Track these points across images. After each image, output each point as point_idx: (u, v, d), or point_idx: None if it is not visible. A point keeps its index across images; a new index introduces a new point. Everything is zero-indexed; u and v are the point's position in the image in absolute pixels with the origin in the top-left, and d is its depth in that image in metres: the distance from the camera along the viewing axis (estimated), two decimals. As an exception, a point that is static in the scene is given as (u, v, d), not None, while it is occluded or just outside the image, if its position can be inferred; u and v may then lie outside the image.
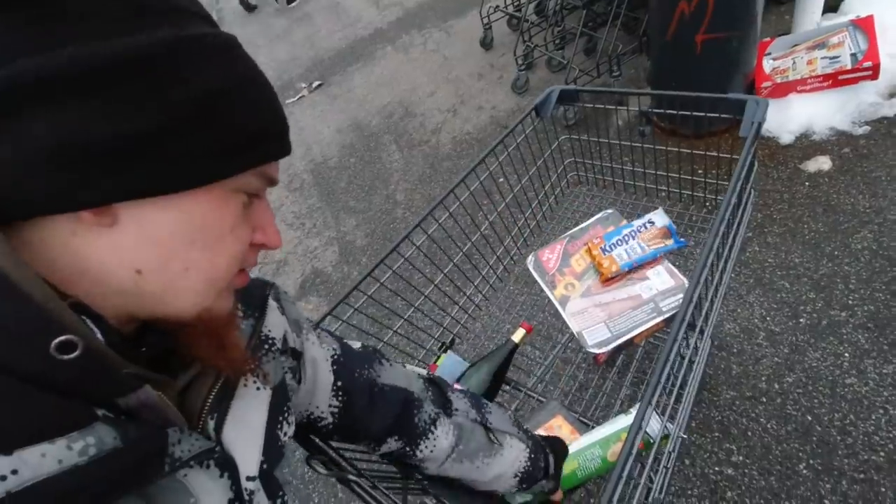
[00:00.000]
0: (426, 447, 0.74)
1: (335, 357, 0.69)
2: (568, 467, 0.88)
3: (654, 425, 0.79)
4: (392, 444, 0.73)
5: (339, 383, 0.68)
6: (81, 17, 0.33)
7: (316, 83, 4.54)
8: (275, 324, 0.61)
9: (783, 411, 1.45)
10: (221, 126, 0.37)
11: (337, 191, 3.15)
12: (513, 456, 0.81)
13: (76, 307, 0.35)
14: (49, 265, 0.35)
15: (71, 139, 0.32)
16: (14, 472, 0.31)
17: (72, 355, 0.33)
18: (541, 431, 0.96)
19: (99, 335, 0.36)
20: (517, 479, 0.81)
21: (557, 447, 0.89)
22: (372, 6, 5.82)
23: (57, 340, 0.32)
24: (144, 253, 0.37)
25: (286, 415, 0.58)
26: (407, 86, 3.89)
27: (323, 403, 0.68)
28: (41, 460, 0.32)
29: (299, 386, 0.65)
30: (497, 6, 3.75)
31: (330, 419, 0.69)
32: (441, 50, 4.17)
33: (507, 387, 1.20)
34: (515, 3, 3.76)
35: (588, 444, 0.89)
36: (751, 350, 1.60)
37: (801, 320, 1.62)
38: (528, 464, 0.82)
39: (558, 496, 0.90)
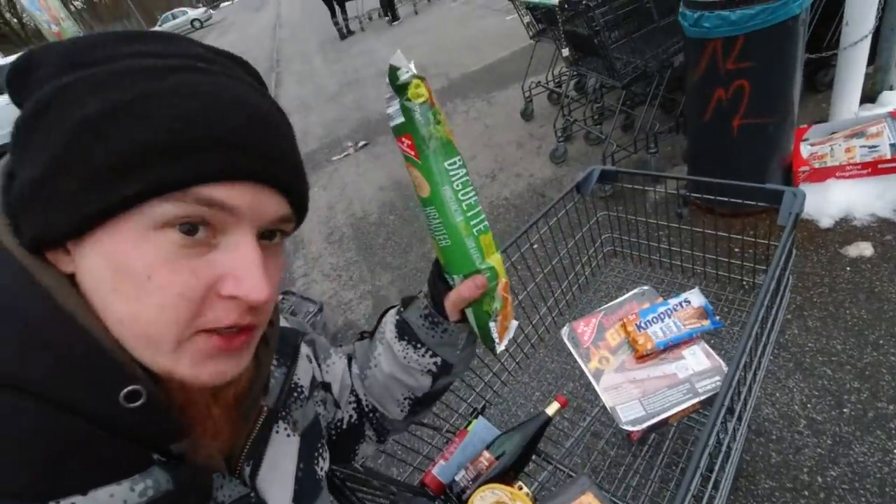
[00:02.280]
0: (356, 387, 0.76)
1: (349, 361, 0.77)
2: (440, 255, 0.63)
3: None
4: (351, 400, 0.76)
5: (351, 383, 0.75)
6: (32, 86, 0.37)
7: (362, 143, 4.79)
8: (303, 371, 0.65)
9: (827, 508, 1.37)
10: (101, 151, 0.34)
11: (375, 246, 3.26)
12: (387, 328, 0.70)
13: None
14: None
15: (17, 186, 0.37)
16: None
17: (137, 403, 0.36)
18: None
19: (156, 386, 0.38)
20: (398, 341, 0.68)
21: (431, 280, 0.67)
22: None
23: (126, 390, 0.36)
24: (93, 301, 0.37)
25: (321, 450, 0.62)
26: (448, 150, 4.06)
27: (347, 405, 0.75)
28: (109, 500, 0.36)
29: (337, 409, 0.72)
30: (539, 81, 3.94)
31: (355, 416, 0.75)
32: (483, 118, 4.37)
33: (537, 457, 1.19)
34: (556, 80, 3.95)
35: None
36: (791, 438, 1.54)
37: (846, 410, 1.55)
38: (396, 320, 0.69)
39: (478, 282, 0.60)
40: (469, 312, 0.64)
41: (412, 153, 0.57)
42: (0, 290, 0.35)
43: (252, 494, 0.48)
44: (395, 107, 0.57)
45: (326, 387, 0.71)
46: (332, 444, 0.74)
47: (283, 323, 0.60)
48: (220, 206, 0.37)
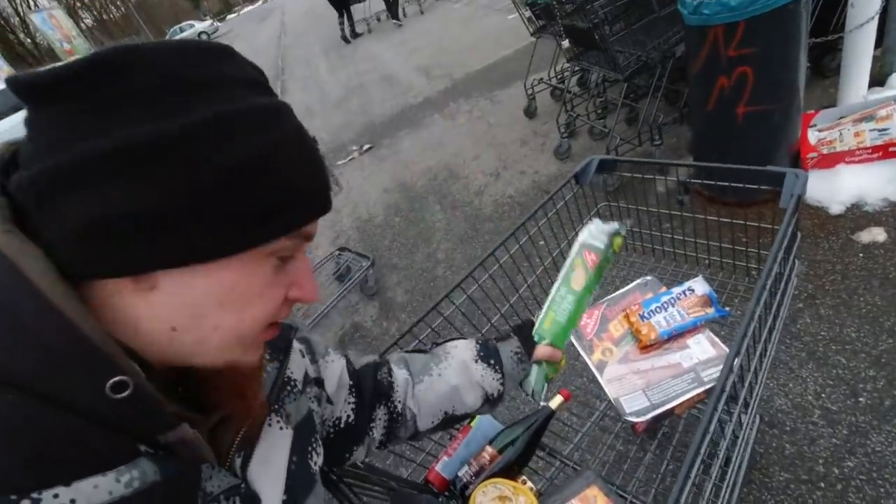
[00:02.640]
0: (396, 389, 0.81)
1: (347, 361, 0.79)
2: (547, 322, 0.86)
3: None
4: (380, 414, 0.80)
5: (352, 382, 0.77)
6: (120, 104, 0.35)
7: (366, 146, 4.81)
8: (296, 366, 0.65)
9: (844, 499, 1.33)
10: (251, 197, 0.38)
11: (381, 248, 3.26)
12: (460, 350, 0.86)
13: (126, 351, 0.39)
14: (98, 317, 0.38)
15: (106, 216, 0.35)
16: (73, 501, 0.34)
17: (123, 394, 0.36)
18: (574, 502, 0.93)
19: (144, 377, 0.39)
20: (477, 362, 0.84)
21: (521, 328, 0.89)
22: (422, 76, 6.20)
23: (112, 380, 0.36)
24: (179, 313, 0.40)
25: (314, 444, 0.63)
26: (452, 150, 4.07)
27: (344, 404, 0.76)
28: (94, 491, 0.36)
29: (331, 406, 0.73)
30: (541, 78, 3.93)
31: (353, 416, 0.77)
32: (486, 117, 4.37)
33: (542, 453, 1.17)
34: (559, 76, 3.93)
35: (553, 291, 0.88)
36: (805, 429, 1.50)
37: (861, 399, 1.51)
38: (479, 346, 0.86)
39: (557, 355, 0.85)
40: (536, 369, 0.84)
41: (591, 266, 0.86)
42: None
43: (242, 485, 0.49)
44: (603, 240, 0.86)
45: (320, 383, 0.71)
46: (329, 442, 0.74)
47: None
48: (307, 237, 0.45)
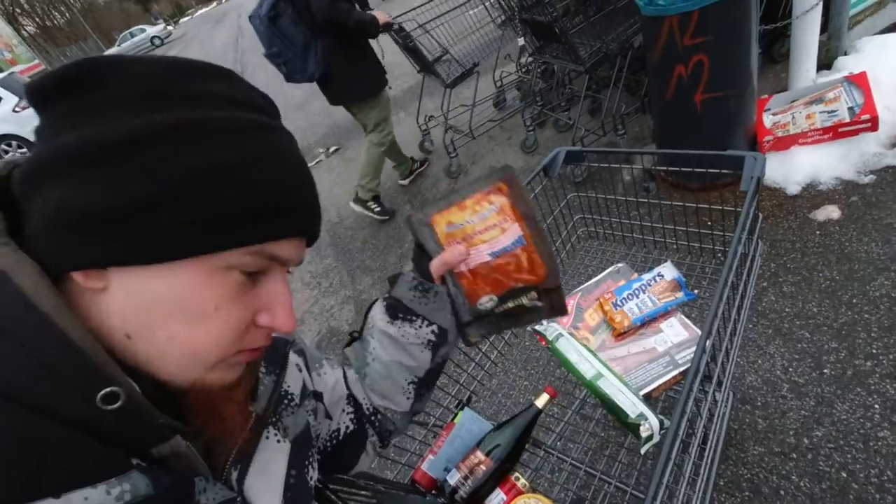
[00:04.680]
0: (356, 393, 0.77)
1: (343, 372, 0.77)
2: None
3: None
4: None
5: (349, 392, 0.75)
6: (101, 105, 0.37)
7: (333, 148, 4.75)
8: (294, 379, 0.64)
9: (815, 468, 1.39)
10: (207, 203, 0.38)
11: (353, 250, 3.23)
12: (377, 318, 0.73)
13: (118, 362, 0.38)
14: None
15: (64, 207, 0.36)
16: None
17: (114, 406, 0.36)
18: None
19: (137, 388, 0.38)
20: (393, 323, 0.71)
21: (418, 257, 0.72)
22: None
23: (103, 392, 0.35)
24: (132, 319, 0.39)
25: (311, 459, 0.62)
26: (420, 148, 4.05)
27: (342, 415, 0.74)
28: (84, 503, 0.35)
29: (329, 420, 0.71)
30: (509, 72, 3.95)
31: (352, 426, 0.74)
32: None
33: (528, 444, 1.18)
34: (523, 69, 3.97)
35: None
36: (775, 403, 1.56)
37: (826, 371, 1.58)
38: (385, 305, 0.72)
39: (455, 253, 0.67)
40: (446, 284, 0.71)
41: None
42: None
43: (238, 499, 0.48)
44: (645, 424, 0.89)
45: (318, 396, 0.70)
46: (330, 455, 0.73)
47: None
48: (278, 260, 0.44)
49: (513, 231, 0.66)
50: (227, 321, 0.41)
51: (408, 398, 0.75)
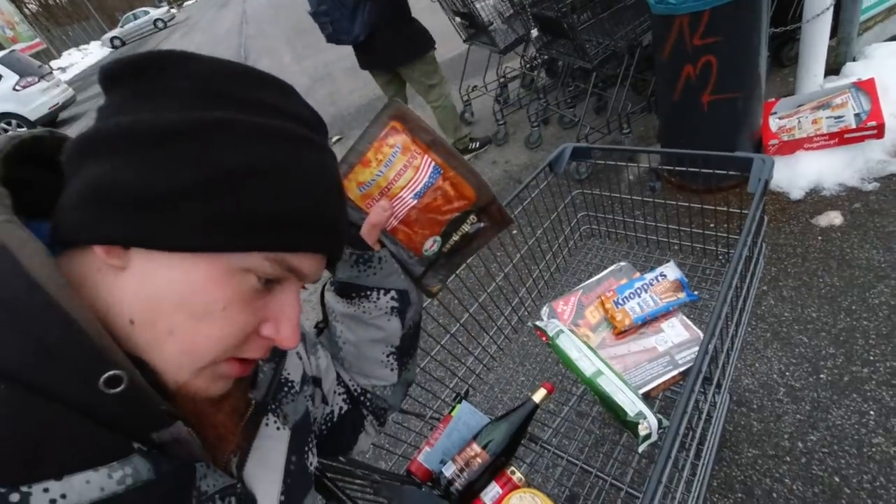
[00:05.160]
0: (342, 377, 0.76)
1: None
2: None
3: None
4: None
5: (338, 372, 0.75)
6: (159, 94, 0.40)
7: (336, 137, 4.73)
8: (293, 366, 0.65)
9: (809, 472, 1.40)
10: (236, 203, 0.39)
11: (353, 240, 3.22)
12: (334, 300, 0.71)
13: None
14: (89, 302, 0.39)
15: (105, 182, 0.38)
16: (63, 496, 0.34)
17: (117, 389, 0.36)
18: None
19: (139, 373, 0.38)
20: (346, 300, 0.69)
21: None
22: (390, 66, 6.08)
23: (106, 375, 0.35)
24: (139, 304, 0.39)
25: (310, 445, 0.62)
26: (423, 140, 4.03)
27: (335, 396, 0.74)
28: (85, 486, 0.35)
29: (325, 405, 0.71)
30: (513, 67, 3.93)
31: (345, 406, 0.74)
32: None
33: (524, 440, 1.18)
34: (529, 64, 3.95)
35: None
36: (771, 406, 1.56)
37: (822, 376, 1.59)
38: (336, 286, 0.70)
39: (381, 216, 0.65)
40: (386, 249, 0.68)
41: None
42: None
43: (238, 485, 0.48)
44: (644, 422, 0.86)
45: (317, 381, 0.70)
46: (326, 438, 0.74)
47: None
48: (296, 272, 0.44)
49: (425, 164, 0.63)
50: (232, 324, 0.41)
51: (392, 370, 0.74)
